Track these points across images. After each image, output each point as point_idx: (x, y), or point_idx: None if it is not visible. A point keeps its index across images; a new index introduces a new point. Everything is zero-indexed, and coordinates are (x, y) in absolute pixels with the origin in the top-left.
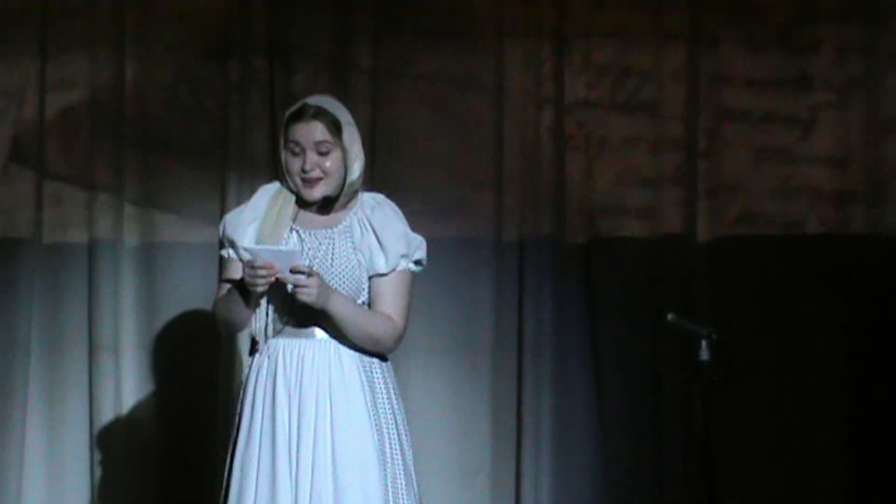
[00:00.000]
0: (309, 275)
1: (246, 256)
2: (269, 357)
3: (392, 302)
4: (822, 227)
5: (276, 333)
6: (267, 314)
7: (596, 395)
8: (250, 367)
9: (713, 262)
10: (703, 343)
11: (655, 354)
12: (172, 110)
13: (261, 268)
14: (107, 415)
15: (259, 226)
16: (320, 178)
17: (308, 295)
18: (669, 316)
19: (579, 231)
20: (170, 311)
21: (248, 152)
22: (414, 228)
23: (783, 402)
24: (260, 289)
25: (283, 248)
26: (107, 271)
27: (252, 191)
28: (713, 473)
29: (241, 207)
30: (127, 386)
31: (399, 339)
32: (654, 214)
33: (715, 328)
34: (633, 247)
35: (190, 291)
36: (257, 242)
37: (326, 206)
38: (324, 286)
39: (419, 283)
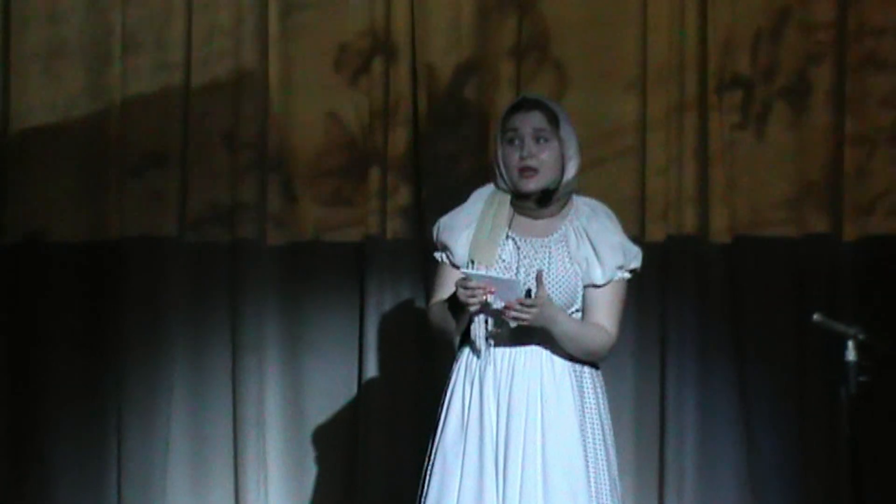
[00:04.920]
0: (531, 305)
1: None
2: (484, 360)
3: (607, 312)
4: None
5: (492, 340)
6: (486, 323)
7: (740, 395)
8: (457, 367)
9: (859, 262)
10: (850, 343)
11: (801, 355)
12: None
13: (475, 287)
14: (250, 415)
15: (474, 231)
16: (537, 169)
17: (526, 321)
18: (816, 316)
19: None
20: (312, 310)
21: None
22: None
23: None
24: (473, 308)
25: (504, 276)
26: (249, 271)
27: None
28: (861, 477)
29: (456, 210)
30: (270, 386)
31: (612, 348)
32: None
33: (862, 328)
34: (777, 246)
35: (333, 291)
36: (471, 248)
37: (543, 204)
38: (546, 309)
39: None
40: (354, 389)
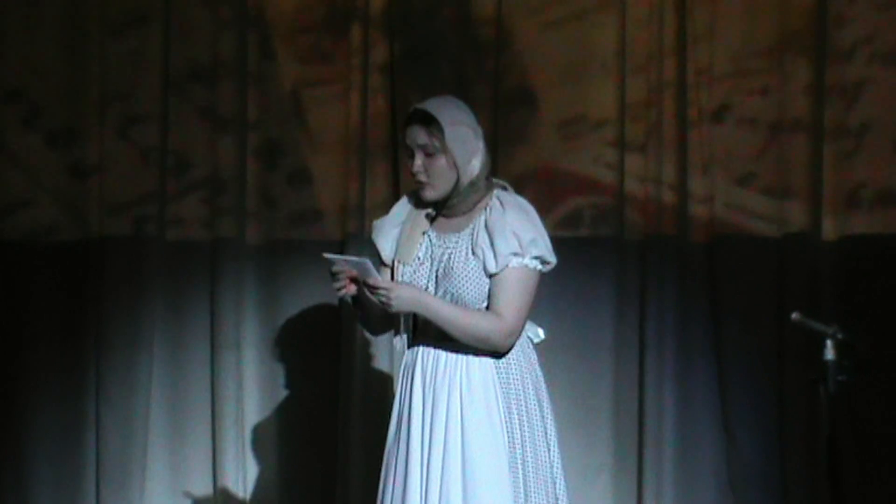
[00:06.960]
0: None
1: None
2: (411, 358)
3: (501, 298)
4: None
5: (419, 338)
6: (406, 321)
7: (719, 394)
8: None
9: (838, 261)
10: (829, 342)
11: (780, 354)
12: None
13: (337, 273)
14: (229, 412)
15: (399, 231)
16: (427, 182)
17: (385, 301)
18: (794, 315)
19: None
20: (291, 308)
21: None
22: None
23: None
24: (339, 293)
25: (355, 258)
26: (229, 269)
27: None
28: (839, 476)
29: (388, 214)
30: (248, 383)
31: (509, 335)
32: None
33: (840, 327)
34: (756, 245)
35: (311, 289)
36: (396, 247)
37: (448, 207)
38: (407, 293)
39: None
40: (333, 388)
